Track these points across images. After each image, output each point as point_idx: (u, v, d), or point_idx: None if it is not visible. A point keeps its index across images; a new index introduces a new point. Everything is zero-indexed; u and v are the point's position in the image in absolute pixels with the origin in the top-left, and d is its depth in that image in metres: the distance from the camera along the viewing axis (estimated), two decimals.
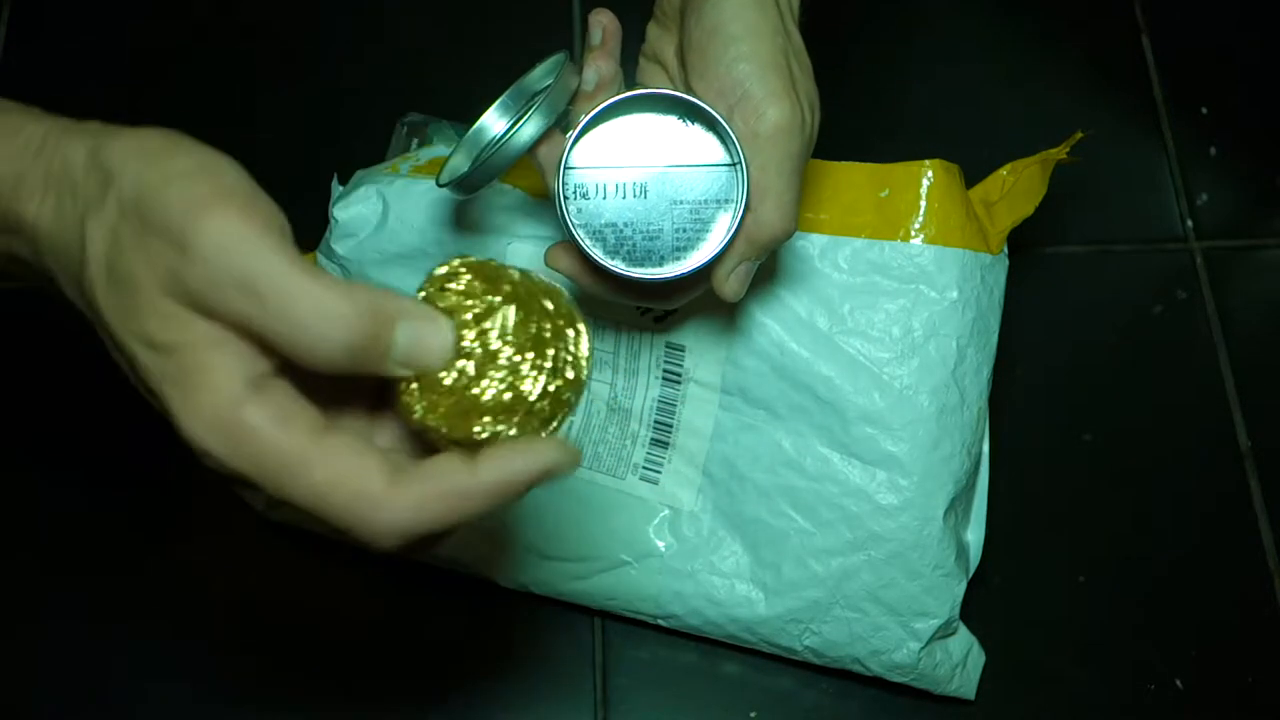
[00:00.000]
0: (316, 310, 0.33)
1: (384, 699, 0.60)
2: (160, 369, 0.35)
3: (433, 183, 0.59)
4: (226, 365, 0.34)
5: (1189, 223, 0.71)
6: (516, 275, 0.38)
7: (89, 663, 0.60)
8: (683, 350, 0.58)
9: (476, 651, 0.61)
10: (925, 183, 0.56)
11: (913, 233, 0.56)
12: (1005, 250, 0.58)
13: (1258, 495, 0.65)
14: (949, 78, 0.75)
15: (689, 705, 0.60)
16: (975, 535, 0.59)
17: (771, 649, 0.58)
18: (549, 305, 0.38)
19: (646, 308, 0.57)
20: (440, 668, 0.60)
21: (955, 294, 0.56)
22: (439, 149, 0.62)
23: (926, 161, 0.56)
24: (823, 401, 0.56)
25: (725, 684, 0.60)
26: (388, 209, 0.59)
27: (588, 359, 0.38)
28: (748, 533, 0.57)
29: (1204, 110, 0.74)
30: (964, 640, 0.58)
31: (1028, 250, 0.68)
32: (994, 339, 0.58)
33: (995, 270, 0.57)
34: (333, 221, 0.59)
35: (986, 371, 0.57)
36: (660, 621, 0.59)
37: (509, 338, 0.37)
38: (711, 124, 0.46)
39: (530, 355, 0.37)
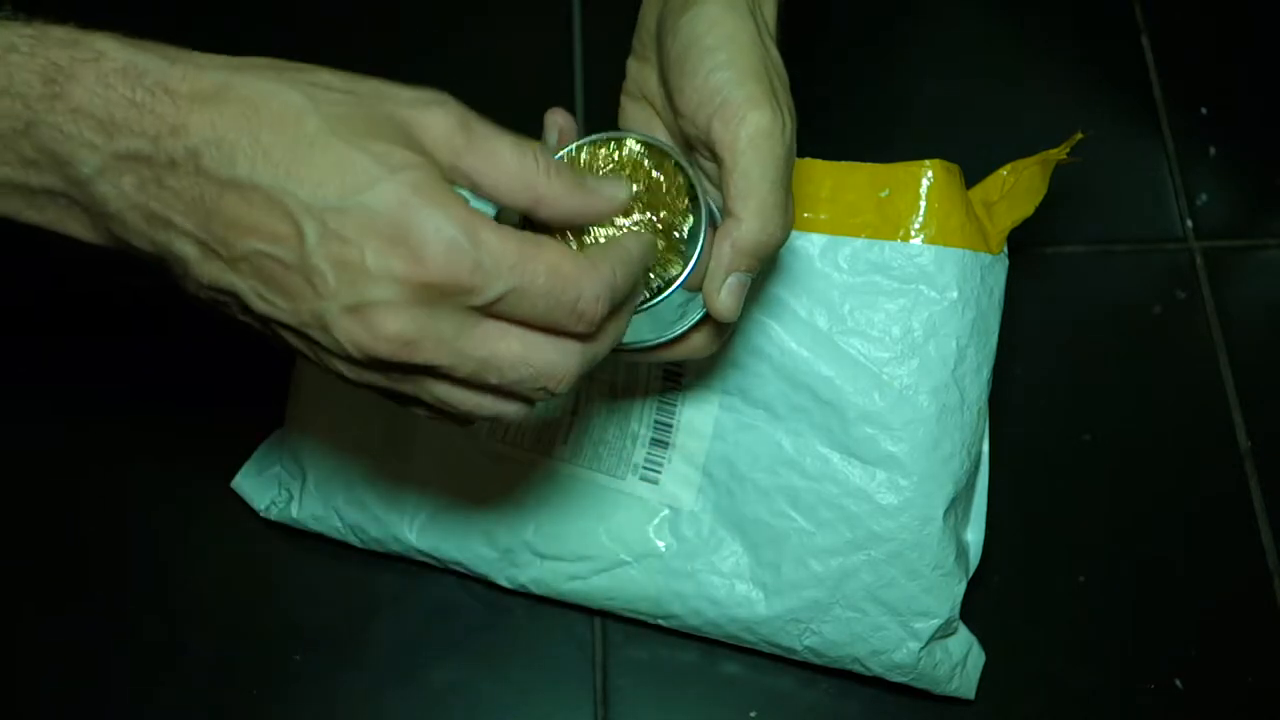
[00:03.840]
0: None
1: (383, 698, 0.60)
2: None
3: None
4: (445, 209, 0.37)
5: (1189, 223, 0.71)
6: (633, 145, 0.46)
7: (88, 660, 0.60)
8: None
9: (476, 651, 0.61)
10: (925, 183, 0.56)
11: (913, 233, 0.56)
12: (1005, 250, 0.58)
13: (1258, 495, 0.65)
14: (949, 77, 0.75)
15: (689, 705, 0.60)
16: (975, 535, 0.59)
17: (771, 649, 0.58)
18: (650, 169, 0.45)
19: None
20: (440, 668, 0.60)
21: (955, 294, 0.56)
22: None
23: (926, 161, 0.56)
24: (823, 401, 0.56)
25: (725, 684, 0.60)
26: None
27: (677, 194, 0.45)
28: (748, 533, 0.57)
29: (1204, 110, 0.74)
30: (964, 640, 0.58)
31: (1028, 250, 0.68)
32: (994, 339, 0.58)
33: (995, 270, 0.57)
34: None
35: (986, 371, 0.57)
36: (660, 621, 0.59)
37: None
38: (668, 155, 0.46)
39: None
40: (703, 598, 0.57)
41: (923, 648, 0.56)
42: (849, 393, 0.56)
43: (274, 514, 0.61)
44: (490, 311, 0.38)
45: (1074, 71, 0.75)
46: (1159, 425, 0.67)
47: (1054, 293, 0.69)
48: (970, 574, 0.58)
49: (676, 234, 0.45)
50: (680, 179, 0.46)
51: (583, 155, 0.46)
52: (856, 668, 0.58)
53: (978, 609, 0.59)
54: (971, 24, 0.77)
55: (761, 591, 0.57)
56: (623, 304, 0.42)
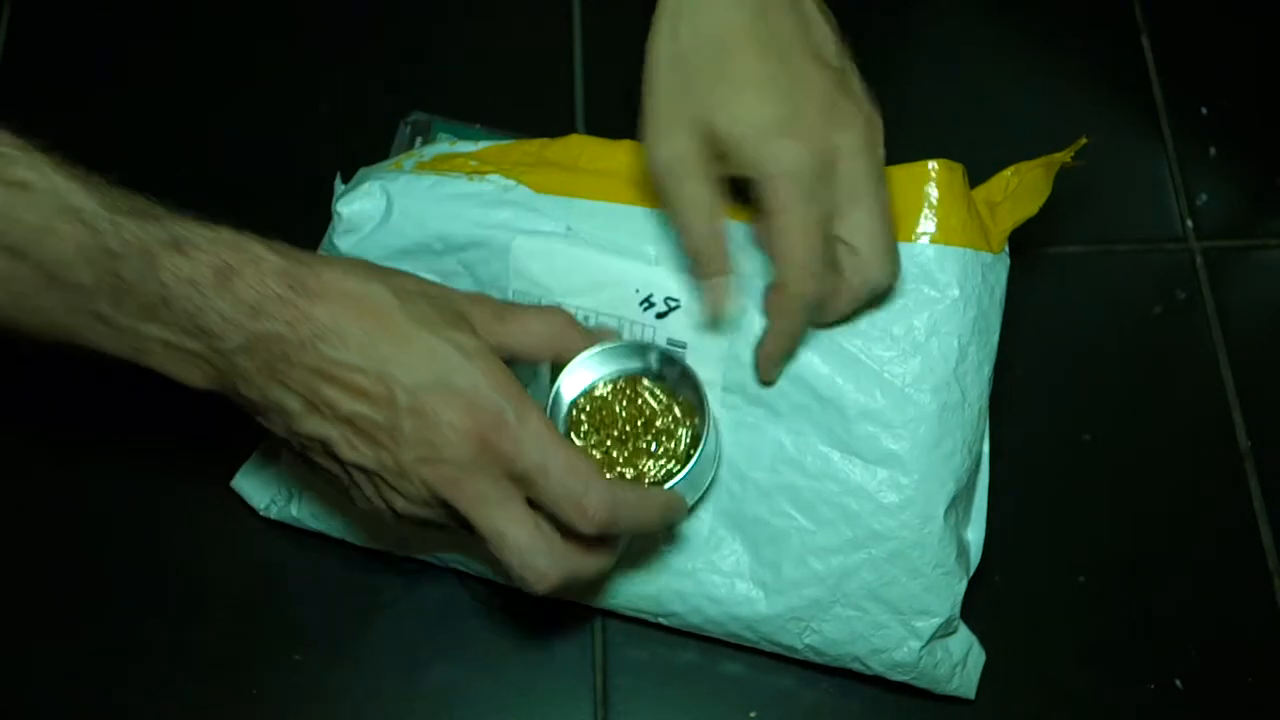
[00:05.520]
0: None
1: (383, 698, 0.60)
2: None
3: (438, 177, 0.59)
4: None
5: (1189, 223, 0.72)
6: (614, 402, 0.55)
7: (88, 660, 0.60)
8: (684, 347, 0.57)
9: (476, 651, 0.61)
10: (928, 182, 0.56)
11: (915, 233, 0.56)
12: (1007, 250, 0.58)
13: (1258, 495, 0.65)
14: (949, 78, 0.75)
15: (689, 705, 0.60)
16: (975, 534, 0.59)
17: (772, 647, 0.58)
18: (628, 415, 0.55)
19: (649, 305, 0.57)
20: (440, 668, 0.60)
21: (956, 292, 0.56)
22: (442, 145, 0.62)
23: (929, 161, 0.56)
24: (823, 399, 0.56)
25: (725, 684, 0.60)
26: (392, 204, 0.58)
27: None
28: (748, 531, 0.57)
29: (1204, 110, 0.74)
30: (964, 640, 0.58)
31: (1028, 250, 0.68)
32: (995, 337, 0.58)
33: (996, 269, 0.58)
34: (336, 217, 0.59)
35: (988, 370, 0.57)
36: (661, 620, 0.59)
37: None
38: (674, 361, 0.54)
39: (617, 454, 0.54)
40: (703, 596, 0.57)
41: (923, 646, 0.56)
42: (850, 391, 0.56)
43: (274, 513, 0.61)
44: (521, 483, 0.48)
45: (1074, 72, 0.75)
46: (1159, 425, 0.67)
47: (1054, 293, 0.69)
48: (971, 573, 0.58)
49: (678, 444, 0.54)
50: (681, 407, 0.55)
51: (592, 399, 0.55)
52: (857, 666, 0.58)
53: (978, 609, 0.59)
54: (971, 23, 0.77)
55: (762, 590, 0.57)
56: (615, 537, 0.52)
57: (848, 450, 0.56)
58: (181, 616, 0.61)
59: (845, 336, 0.56)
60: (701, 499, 0.56)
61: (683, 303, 0.56)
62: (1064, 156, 0.58)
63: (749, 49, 0.51)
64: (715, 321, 0.56)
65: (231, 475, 0.62)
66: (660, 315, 0.58)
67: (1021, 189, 0.58)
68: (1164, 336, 0.69)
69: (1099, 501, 0.65)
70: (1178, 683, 0.61)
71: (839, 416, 0.56)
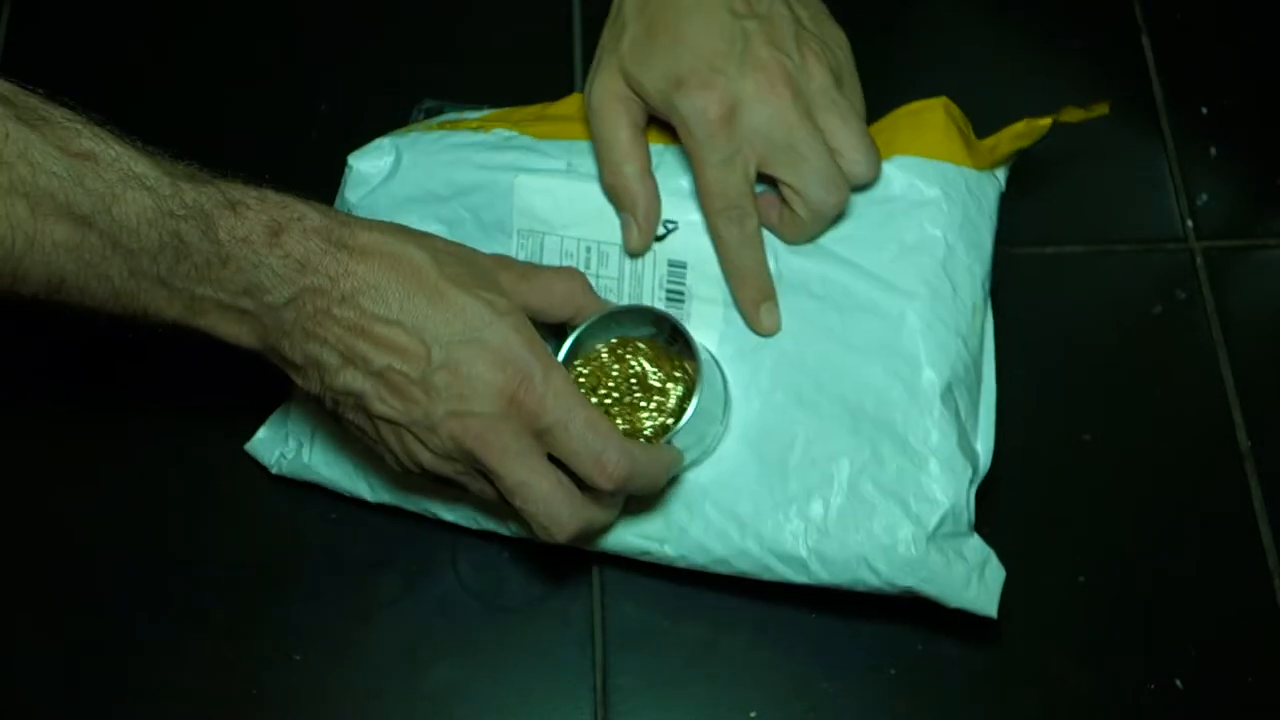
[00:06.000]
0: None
1: (383, 698, 0.60)
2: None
3: (445, 132, 0.62)
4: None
5: (1189, 223, 0.71)
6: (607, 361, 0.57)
7: (87, 659, 0.60)
8: (684, 267, 0.59)
9: (476, 651, 0.61)
10: (905, 114, 0.59)
11: (895, 151, 0.58)
12: (999, 174, 0.60)
13: (1258, 495, 0.65)
14: (947, 76, 0.74)
15: (689, 705, 0.60)
16: (984, 445, 0.59)
17: (778, 564, 0.57)
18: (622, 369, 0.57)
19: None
20: (440, 668, 0.60)
21: (937, 192, 0.57)
22: (451, 115, 0.64)
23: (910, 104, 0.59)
24: (818, 298, 0.57)
25: (725, 684, 0.60)
26: (401, 157, 0.61)
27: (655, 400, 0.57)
28: (752, 438, 0.58)
29: (1204, 110, 0.74)
30: (979, 548, 0.57)
31: (1028, 250, 0.68)
32: (987, 247, 0.59)
33: (984, 185, 0.59)
34: (348, 170, 0.62)
35: (980, 271, 0.58)
36: (667, 550, 0.58)
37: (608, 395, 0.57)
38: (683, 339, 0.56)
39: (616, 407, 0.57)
40: (709, 504, 0.57)
41: (929, 539, 0.55)
42: (843, 286, 0.57)
43: (284, 467, 0.61)
44: (544, 439, 0.50)
45: (1074, 71, 0.75)
46: (1159, 425, 0.67)
47: (1054, 293, 0.69)
48: (979, 479, 0.57)
49: (670, 400, 0.57)
50: (674, 363, 0.57)
51: (593, 363, 0.57)
52: (866, 577, 0.56)
53: None
54: (970, 22, 0.77)
55: (767, 490, 0.57)
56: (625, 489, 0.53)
57: (845, 344, 0.57)
58: (181, 616, 0.61)
59: (834, 243, 0.58)
60: (706, 452, 0.58)
61: (680, 224, 0.58)
62: (1078, 115, 0.59)
63: (670, 3, 0.55)
64: (630, 254, 0.59)
65: (231, 475, 0.62)
66: (659, 238, 0.59)
67: (1024, 134, 0.60)
68: (1164, 336, 0.69)
69: (1099, 501, 0.65)
70: (1178, 683, 0.61)
71: (834, 312, 0.57)
